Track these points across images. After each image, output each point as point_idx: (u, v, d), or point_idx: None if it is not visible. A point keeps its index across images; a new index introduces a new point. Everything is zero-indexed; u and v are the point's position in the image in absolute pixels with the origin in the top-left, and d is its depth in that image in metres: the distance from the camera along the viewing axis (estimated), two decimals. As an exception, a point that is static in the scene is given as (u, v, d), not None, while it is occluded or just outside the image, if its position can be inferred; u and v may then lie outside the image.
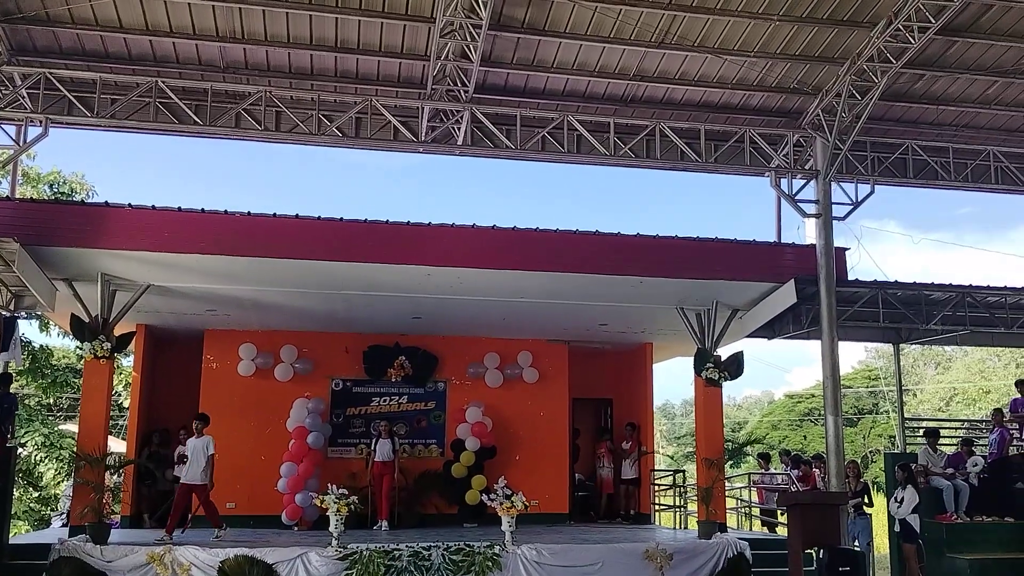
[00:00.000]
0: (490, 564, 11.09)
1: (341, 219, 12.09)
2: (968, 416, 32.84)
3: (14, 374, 16.01)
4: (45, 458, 20.33)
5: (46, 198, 19.35)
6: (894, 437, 28.96)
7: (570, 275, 12.49)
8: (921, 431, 15.58)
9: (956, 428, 20.18)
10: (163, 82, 11.66)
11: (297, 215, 11.96)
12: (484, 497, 12.33)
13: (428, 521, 14.47)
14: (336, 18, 11.43)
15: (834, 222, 13.19)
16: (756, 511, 16.31)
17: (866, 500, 14.07)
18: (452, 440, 15.44)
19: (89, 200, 19.58)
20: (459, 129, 12.64)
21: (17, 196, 13.53)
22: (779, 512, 14.50)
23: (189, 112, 11.86)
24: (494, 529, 12.08)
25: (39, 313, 17.04)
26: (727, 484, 15.33)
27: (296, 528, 13.86)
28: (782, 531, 13.56)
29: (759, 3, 11.68)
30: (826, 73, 12.70)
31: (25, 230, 10.88)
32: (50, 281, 11.58)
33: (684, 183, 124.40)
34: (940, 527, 12.95)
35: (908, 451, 15.07)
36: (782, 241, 14.07)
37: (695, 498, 14.62)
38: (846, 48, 12.26)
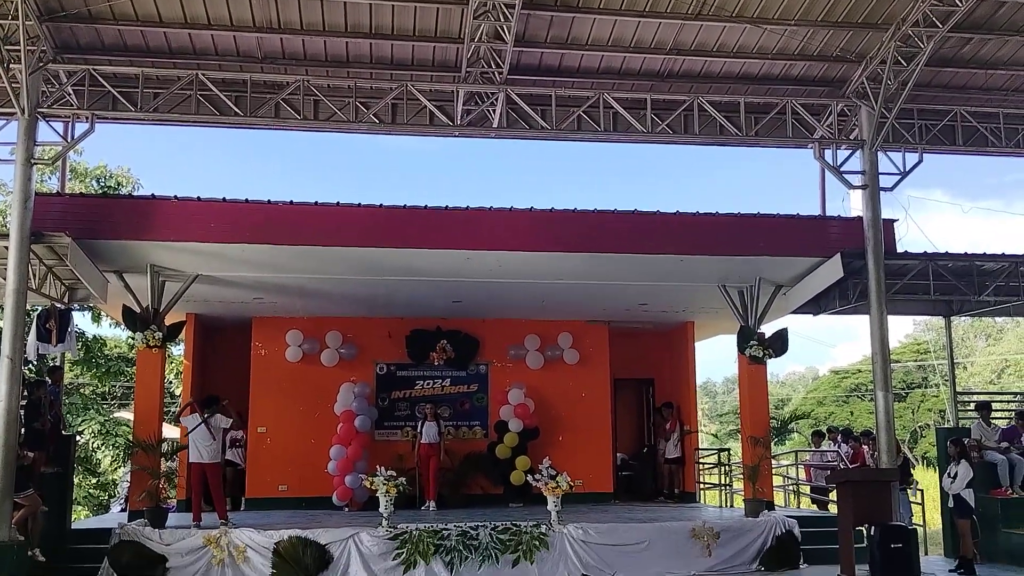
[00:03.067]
0: (537, 543, 11.18)
1: (381, 205, 12.19)
2: (1021, 388, 32.11)
3: (68, 364, 16.44)
4: (102, 445, 20.95)
5: (94, 192, 19.78)
6: (944, 411, 28.48)
7: (609, 255, 12.44)
8: (973, 405, 15.28)
9: (1009, 401, 19.76)
10: (203, 74, 11.80)
11: (338, 203, 12.08)
12: (529, 477, 12.41)
13: (474, 502, 14.62)
14: (370, 4, 11.44)
15: (881, 193, 12.91)
16: (805, 489, 16.18)
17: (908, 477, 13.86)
18: (495, 422, 15.57)
19: (135, 193, 19.99)
20: (494, 111, 12.61)
21: (67, 191, 13.83)
22: (829, 490, 14.36)
23: (229, 103, 12.00)
24: (539, 509, 12.16)
25: (92, 305, 17.50)
26: (773, 462, 15.21)
27: (347, 509, 14.10)
28: (833, 509, 13.42)
29: (798, -29, 11.43)
30: (870, 40, 12.40)
31: (76, 224, 11.15)
32: (101, 273, 11.87)
33: (723, 159, 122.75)
34: (995, 502, 12.73)
35: (960, 425, 14.82)
36: (827, 214, 13.84)
37: (740, 476, 14.55)
38: (890, 13, 11.94)
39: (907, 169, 13.19)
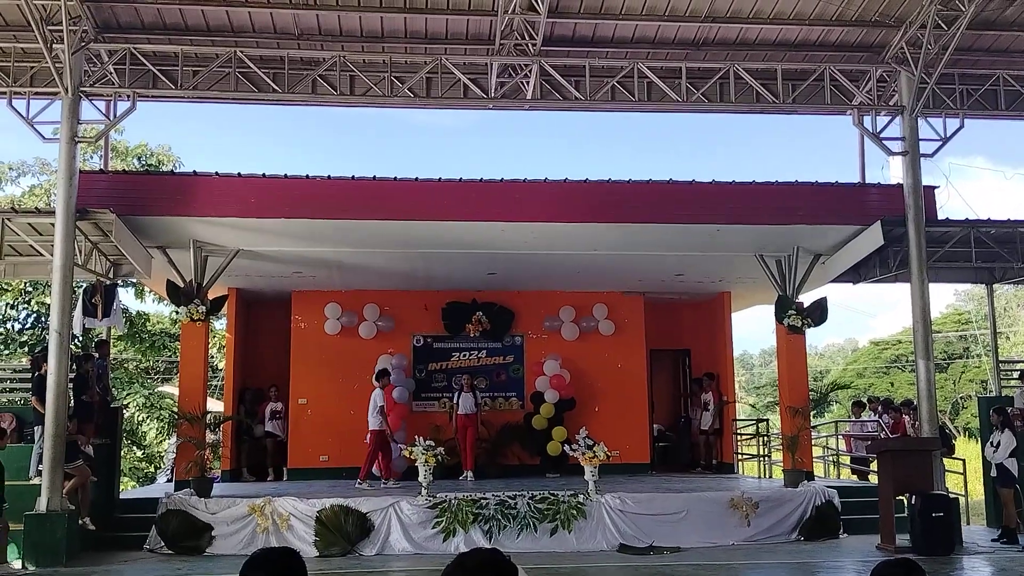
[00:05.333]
0: (575, 512, 11.30)
1: (416, 179, 12.28)
2: (1067, 358, 31.46)
3: (113, 339, 16.83)
4: (147, 418, 21.49)
5: (136, 170, 20.10)
6: (986, 381, 28.06)
7: (644, 226, 12.42)
8: (1016, 374, 15.06)
9: (1054, 370, 19.38)
10: (241, 52, 11.92)
11: (375, 177, 12.19)
12: (566, 448, 12.51)
13: (511, 472, 14.76)
14: (404, -22, 11.46)
15: (921, 159, 12.69)
16: (844, 459, 16.11)
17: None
18: (532, 393, 15.67)
19: (177, 171, 20.28)
20: (528, 83, 12.58)
21: (109, 169, 14.09)
22: (870, 460, 14.29)
23: (268, 80, 12.12)
24: (576, 479, 12.26)
25: (135, 280, 17.86)
26: (812, 433, 15.15)
27: (386, 481, 14.31)
28: (873, 479, 13.36)
29: (837, -66, 11.20)
30: (909, 3, 12.12)
31: (120, 201, 11.40)
32: (145, 249, 12.13)
33: (760, 128, 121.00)
34: (1038, 471, 12.58)
35: (1003, 395, 14.62)
36: (866, 182, 13.65)
37: (779, 447, 14.52)
38: (931, -24, 11.68)
39: (948, 135, 12.94)
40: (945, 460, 13.06)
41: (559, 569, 9.82)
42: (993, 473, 12.08)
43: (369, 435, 13.35)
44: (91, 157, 19.74)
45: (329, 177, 12.11)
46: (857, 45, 13.03)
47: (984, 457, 12.46)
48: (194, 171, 12.34)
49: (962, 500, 12.69)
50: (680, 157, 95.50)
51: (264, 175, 12.05)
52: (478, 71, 12.72)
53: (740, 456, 16.66)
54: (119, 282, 13.78)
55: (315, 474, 14.55)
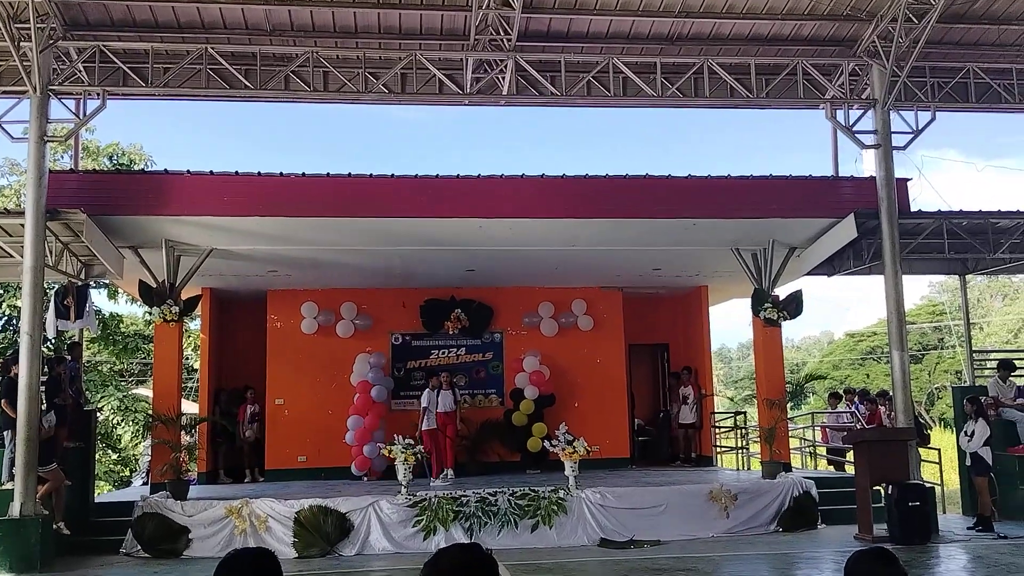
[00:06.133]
0: (555, 508, 11.30)
1: (392, 175, 12.21)
2: (1038, 348, 31.92)
3: (86, 342, 16.62)
4: (122, 421, 21.23)
5: (107, 169, 19.84)
6: (960, 372, 28.39)
7: (622, 221, 12.43)
8: (989, 365, 15.26)
9: (1026, 359, 19.65)
10: (212, 48, 11.78)
11: (350, 174, 12.10)
12: (546, 443, 12.51)
13: (491, 469, 14.74)
14: (377, -27, 11.38)
15: (894, 152, 12.81)
16: (821, 450, 16.24)
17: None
18: (511, 389, 15.66)
19: (148, 169, 20.05)
20: (504, 79, 12.54)
21: (80, 169, 13.89)
22: (846, 451, 14.40)
23: (239, 77, 11.99)
24: (557, 475, 12.27)
25: (108, 281, 17.64)
26: (789, 424, 15.26)
27: (365, 478, 14.26)
28: (851, 470, 13.47)
29: (808, -72, 11.26)
30: (880, -3, 12.24)
31: (91, 201, 11.23)
32: (117, 249, 11.96)
33: (733, 124, 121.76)
34: (1012, 459, 12.77)
35: (977, 385, 14.79)
36: (840, 175, 13.76)
37: (757, 440, 14.61)
38: (901, -30, 11.78)
39: (920, 128, 13.06)
40: (921, 450, 13.19)
41: (540, 565, 9.80)
42: (968, 462, 12.23)
43: (420, 435, 13.26)
44: (61, 157, 19.45)
45: (304, 175, 12.00)
46: (829, 39, 13.12)
47: (959, 446, 12.59)
48: (165, 169, 12.18)
49: (938, 489, 12.83)
50: (656, 153, 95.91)
51: (237, 173, 11.91)
52: (453, 67, 12.67)
53: (719, 449, 16.74)
54: (91, 283, 13.59)
55: (293, 475, 14.46)
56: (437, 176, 12.19)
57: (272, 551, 2.61)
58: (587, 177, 12.49)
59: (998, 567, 9.28)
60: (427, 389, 13.73)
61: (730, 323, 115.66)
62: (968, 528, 11.82)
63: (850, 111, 13.15)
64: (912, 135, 13.03)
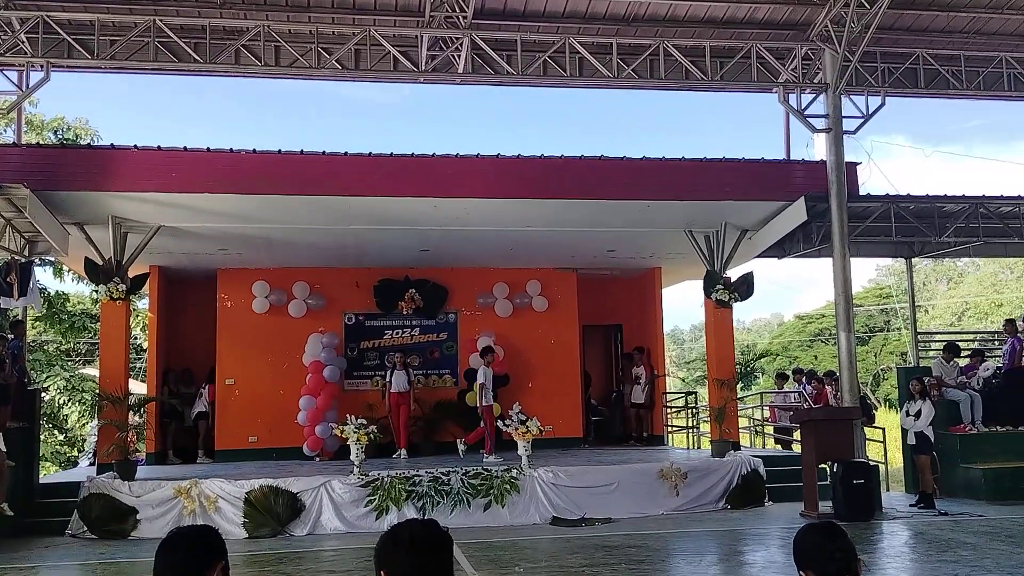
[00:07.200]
0: (508, 487, 11.35)
1: (346, 153, 12.06)
2: (981, 329, 32.88)
3: (31, 321, 16.21)
4: (68, 401, 20.77)
5: (52, 143, 19.31)
6: (906, 353, 29.10)
7: (576, 202, 12.45)
8: (934, 346, 15.65)
9: (969, 341, 20.23)
10: (161, 20, 11.49)
11: (302, 151, 11.92)
12: (499, 423, 12.54)
13: (445, 449, 14.74)
14: (330, -54, 11.18)
15: (844, 137, 13.01)
16: (769, 430, 16.54)
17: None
18: (465, 370, 15.64)
19: (94, 144, 19.54)
20: (459, 57, 12.44)
21: (23, 143, 13.48)
22: (793, 430, 14.70)
23: (188, 50, 11.71)
24: (510, 454, 12.33)
25: (53, 259, 17.20)
26: (739, 404, 15.51)
27: (318, 459, 14.18)
28: (798, 448, 13.76)
29: (764, -88, 11.31)
30: (834, -18, 12.38)
31: (34, 175, 10.89)
32: (61, 225, 11.64)
33: (688, 107, 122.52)
34: (954, 438, 13.15)
35: (921, 366, 15.18)
36: (791, 158, 13.93)
37: (707, 419, 14.82)
38: (854, -45, 11.91)
39: (870, 112, 13.29)
40: (866, 429, 13.52)
41: (492, 543, 9.85)
42: (911, 441, 12.55)
43: (482, 411, 13.33)
44: (3, 131, 18.88)
45: (255, 151, 11.80)
46: (783, 23, 13.23)
47: (902, 426, 12.92)
48: (112, 144, 11.87)
49: (882, 467, 13.16)
50: (612, 136, 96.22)
51: (186, 148, 11.66)
52: (408, 44, 12.52)
53: (670, 428, 16.96)
54: (35, 260, 13.22)
55: (244, 455, 14.31)
56: (391, 155, 12.08)
57: (215, 528, 2.58)
58: (542, 157, 12.46)
59: (939, 543, 9.55)
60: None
61: (683, 305, 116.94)
62: (911, 505, 12.15)
63: (802, 95, 13.33)
64: (863, 119, 13.25)
